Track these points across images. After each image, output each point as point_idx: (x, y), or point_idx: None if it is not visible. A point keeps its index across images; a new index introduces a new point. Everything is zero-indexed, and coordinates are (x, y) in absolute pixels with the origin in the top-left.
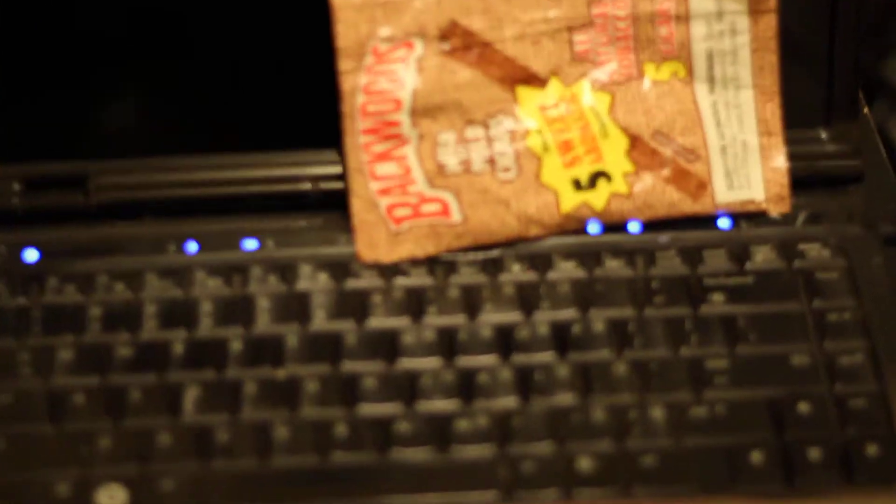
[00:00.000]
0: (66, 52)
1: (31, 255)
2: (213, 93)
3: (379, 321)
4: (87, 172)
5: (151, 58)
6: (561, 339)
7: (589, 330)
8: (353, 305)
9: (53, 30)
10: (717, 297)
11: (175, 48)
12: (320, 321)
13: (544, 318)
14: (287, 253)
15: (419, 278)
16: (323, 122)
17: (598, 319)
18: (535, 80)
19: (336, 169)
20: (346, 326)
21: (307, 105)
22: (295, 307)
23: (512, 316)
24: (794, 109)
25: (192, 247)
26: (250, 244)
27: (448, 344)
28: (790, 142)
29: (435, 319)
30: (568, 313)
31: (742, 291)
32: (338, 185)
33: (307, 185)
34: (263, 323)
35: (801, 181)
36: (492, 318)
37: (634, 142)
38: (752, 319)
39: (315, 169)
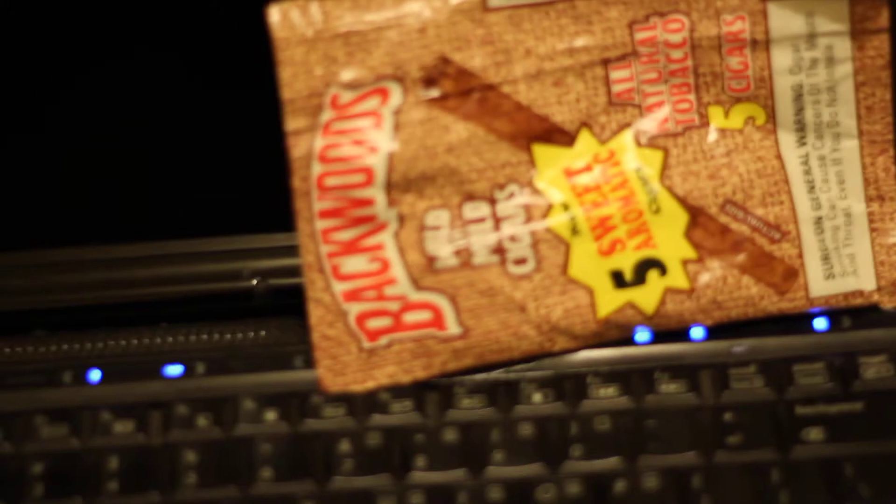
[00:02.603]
0: None
1: None
2: (121, 163)
3: (347, 481)
4: None
5: (37, 113)
6: (600, 500)
7: (638, 486)
8: (313, 458)
9: None
10: (815, 434)
11: (72, 101)
12: (266, 483)
13: (575, 470)
14: (222, 383)
15: (404, 416)
16: (271, 198)
17: (652, 471)
18: (558, 135)
19: (290, 261)
20: (303, 490)
21: (250, 176)
22: (232, 463)
23: (531, 469)
24: None
25: (93, 375)
26: (173, 371)
27: None
28: None
29: (425, 476)
30: (609, 463)
31: (848, 424)
32: (292, 281)
33: (250, 283)
34: (189, 487)
35: None
36: (503, 471)
37: (697, 216)
38: (862, 464)
39: (261, 261)
